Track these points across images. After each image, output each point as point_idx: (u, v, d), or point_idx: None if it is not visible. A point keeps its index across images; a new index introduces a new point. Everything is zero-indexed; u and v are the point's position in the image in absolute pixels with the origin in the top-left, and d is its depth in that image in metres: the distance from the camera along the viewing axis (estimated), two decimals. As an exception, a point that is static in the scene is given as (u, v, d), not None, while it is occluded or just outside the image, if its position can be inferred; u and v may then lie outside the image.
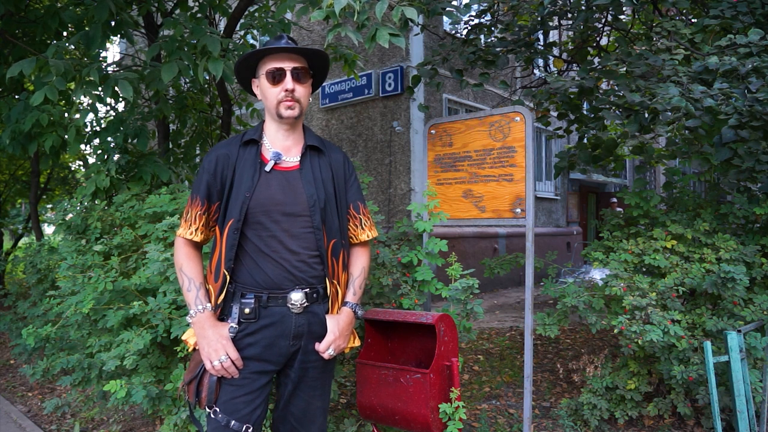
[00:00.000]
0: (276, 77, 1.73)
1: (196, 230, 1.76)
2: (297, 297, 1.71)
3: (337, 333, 1.78)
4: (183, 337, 1.82)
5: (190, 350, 1.79)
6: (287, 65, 1.73)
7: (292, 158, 1.80)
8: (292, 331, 1.73)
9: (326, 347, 1.77)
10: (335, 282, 1.81)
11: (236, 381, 1.69)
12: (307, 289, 1.73)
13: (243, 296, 1.71)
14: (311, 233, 1.74)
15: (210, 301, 1.73)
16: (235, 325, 1.70)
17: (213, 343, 1.66)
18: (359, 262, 1.92)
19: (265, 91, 1.76)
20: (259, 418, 1.72)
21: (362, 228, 1.92)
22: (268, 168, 1.75)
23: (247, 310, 1.70)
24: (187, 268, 1.75)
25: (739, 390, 2.64)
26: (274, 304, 1.71)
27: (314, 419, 1.85)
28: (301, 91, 1.75)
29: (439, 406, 2.32)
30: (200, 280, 1.74)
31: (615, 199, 13.52)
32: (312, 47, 1.78)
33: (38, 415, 3.93)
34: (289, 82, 1.72)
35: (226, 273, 1.71)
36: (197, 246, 1.81)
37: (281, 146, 1.80)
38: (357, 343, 1.93)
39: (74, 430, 3.51)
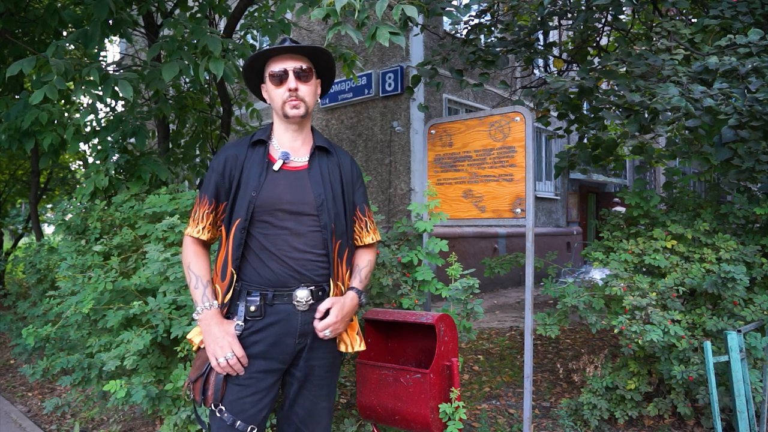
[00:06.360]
0: (280, 78, 1.75)
1: (203, 229, 1.78)
2: (302, 294, 1.71)
3: (338, 316, 1.74)
4: (188, 336, 1.82)
5: (194, 349, 1.80)
6: (289, 65, 1.75)
7: (300, 158, 1.81)
8: (298, 329, 1.73)
9: (324, 327, 1.73)
10: (339, 284, 1.80)
11: (243, 380, 1.70)
12: (312, 287, 1.74)
13: (249, 294, 1.72)
14: (318, 232, 1.75)
15: (217, 299, 1.74)
16: (241, 323, 1.71)
17: (219, 340, 1.67)
18: (366, 256, 1.94)
19: (271, 93, 1.79)
20: (264, 419, 1.72)
21: (367, 231, 1.95)
22: (276, 167, 1.76)
23: (252, 308, 1.71)
24: (195, 266, 1.77)
25: (739, 390, 2.64)
26: (279, 301, 1.71)
27: (320, 420, 1.84)
28: (306, 89, 1.77)
29: (439, 406, 2.32)
30: (207, 278, 1.76)
31: (618, 199, 13.46)
32: (313, 45, 1.80)
33: (38, 415, 3.93)
34: (291, 81, 1.75)
35: (233, 271, 1.72)
36: (205, 245, 1.83)
37: (289, 147, 1.82)
38: (363, 347, 1.88)
39: (74, 430, 3.51)
